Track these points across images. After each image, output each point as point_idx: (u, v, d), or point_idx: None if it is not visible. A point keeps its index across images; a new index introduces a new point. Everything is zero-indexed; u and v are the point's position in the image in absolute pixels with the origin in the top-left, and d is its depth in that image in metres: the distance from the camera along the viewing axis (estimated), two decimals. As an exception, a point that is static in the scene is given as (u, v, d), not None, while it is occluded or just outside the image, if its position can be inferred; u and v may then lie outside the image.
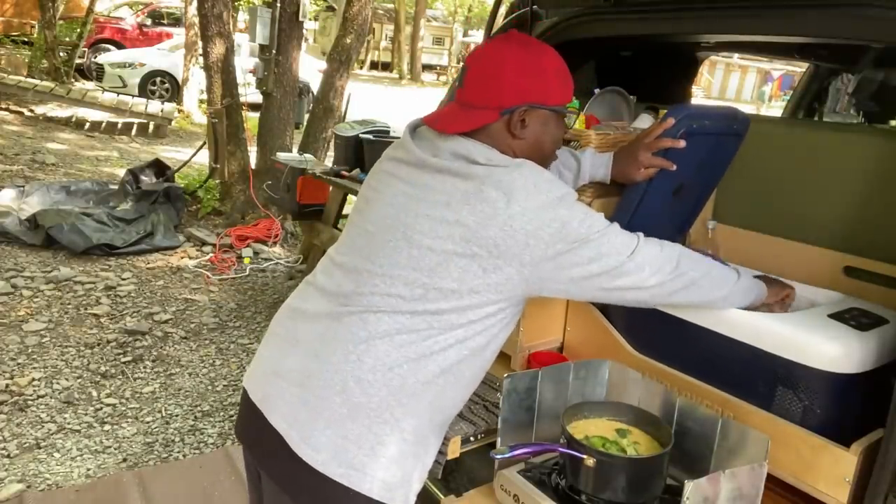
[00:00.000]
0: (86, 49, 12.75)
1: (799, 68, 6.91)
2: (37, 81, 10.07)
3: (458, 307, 1.18)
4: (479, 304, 1.19)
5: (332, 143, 5.44)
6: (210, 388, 3.37)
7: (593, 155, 1.62)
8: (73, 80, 11.65)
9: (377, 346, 1.18)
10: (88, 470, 2.65)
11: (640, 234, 1.27)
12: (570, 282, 1.20)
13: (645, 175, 1.53)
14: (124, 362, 3.51)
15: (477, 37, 27.22)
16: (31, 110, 9.47)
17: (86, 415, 3.01)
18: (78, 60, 12.23)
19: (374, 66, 29.45)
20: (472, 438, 1.56)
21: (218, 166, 5.97)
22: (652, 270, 1.23)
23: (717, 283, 1.35)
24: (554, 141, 1.35)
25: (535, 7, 2.23)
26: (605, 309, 1.74)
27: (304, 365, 1.22)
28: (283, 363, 1.26)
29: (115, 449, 2.80)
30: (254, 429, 1.28)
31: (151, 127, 9.61)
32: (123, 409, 3.10)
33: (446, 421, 1.33)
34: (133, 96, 10.66)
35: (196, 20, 9.52)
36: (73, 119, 9.41)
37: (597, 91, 2.04)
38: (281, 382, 1.24)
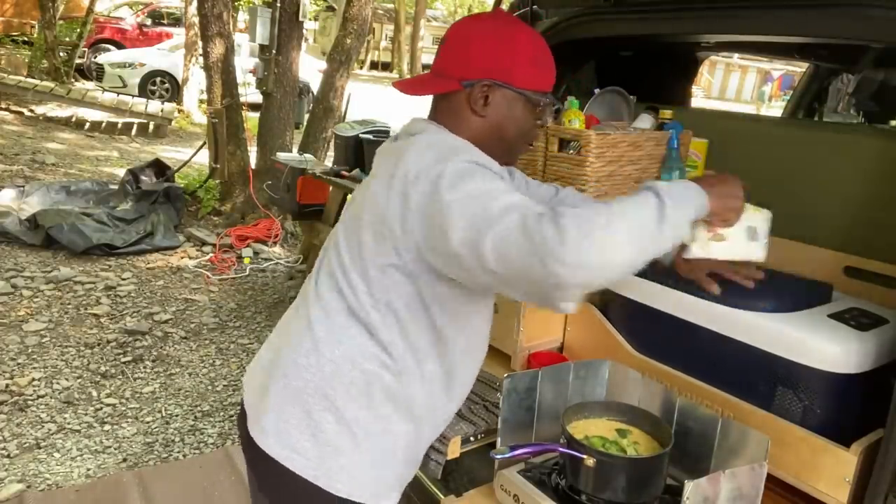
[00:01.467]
0: (86, 49, 12.75)
1: (799, 68, 6.91)
2: (37, 81, 10.07)
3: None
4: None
5: (332, 143, 5.44)
6: (210, 388, 3.37)
7: None
8: (73, 80, 11.65)
9: (315, 331, 1.19)
10: (88, 470, 2.65)
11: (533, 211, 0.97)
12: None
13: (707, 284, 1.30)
14: (124, 362, 3.51)
15: (477, 37, 27.13)
16: (31, 110, 9.47)
17: (86, 415, 3.01)
18: (78, 60, 12.22)
19: (374, 66, 29.45)
20: (472, 438, 1.56)
21: (218, 166, 5.96)
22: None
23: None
24: (519, 129, 1.24)
25: (535, 7, 2.23)
26: (605, 309, 1.74)
27: (269, 353, 1.30)
28: (261, 354, 1.34)
29: (115, 449, 2.80)
30: (242, 422, 1.32)
31: (151, 127, 9.61)
32: (123, 409, 3.10)
33: (411, 417, 1.21)
34: (133, 96, 10.66)
35: (196, 20, 9.52)
36: (73, 119, 9.41)
37: (597, 91, 2.04)
38: (255, 371, 1.31)
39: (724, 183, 1.10)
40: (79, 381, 3.29)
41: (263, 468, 1.22)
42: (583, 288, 0.90)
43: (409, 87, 1.26)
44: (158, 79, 11.89)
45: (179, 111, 10.67)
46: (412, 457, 1.27)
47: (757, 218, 1.19)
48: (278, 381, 1.21)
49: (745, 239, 1.17)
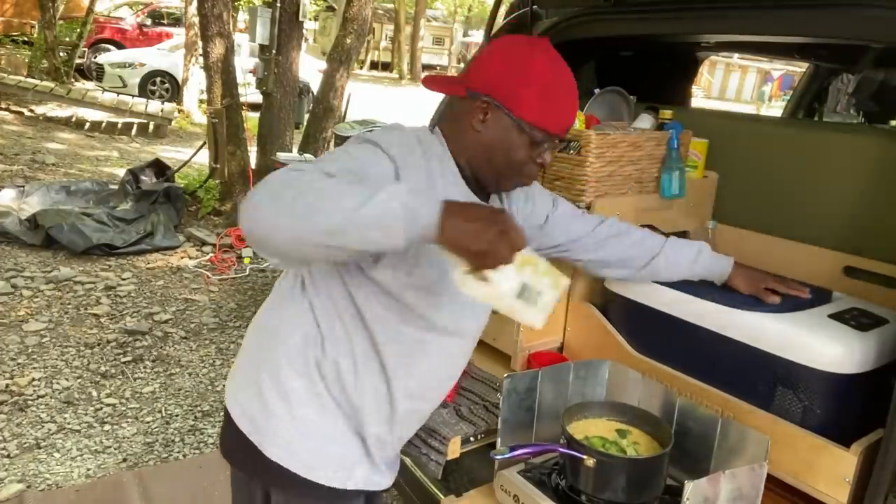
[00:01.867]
0: (86, 49, 12.74)
1: (799, 68, 6.91)
2: (37, 81, 10.07)
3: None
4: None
5: (331, 143, 5.44)
6: (210, 388, 3.36)
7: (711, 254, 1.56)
8: (73, 80, 11.64)
9: (275, 296, 1.28)
10: (88, 470, 2.65)
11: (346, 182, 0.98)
12: None
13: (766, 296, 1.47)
14: (124, 362, 3.51)
15: (477, 37, 27.23)
16: (31, 110, 9.46)
17: (86, 415, 3.01)
18: (78, 60, 12.21)
19: (374, 66, 29.45)
20: (472, 438, 1.56)
21: (218, 166, 5.96)
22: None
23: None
24: (510, 159, 1.19)
25: (535, 7, 2.23)
26: (605, 309, 1.74)
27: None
28: None
29: (115, 449, 2.80)
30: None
31: (151, 127, 9.61)
32: (123, 409, 3.10)
33: (348, 403, 1.21)
34: (133, 96, 10.65)
35: (196, 20, 9.51)
36: (73, 119, 9.41)
37: (597, 91, 2.05)
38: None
39: (476, 219, 0.95)
40: (79, 381, 3.29)
41: (227, 431, 1.29)
42: (260, 248, 0.99)
43: (430, 82, 1.27)
44: (158, 79, 11.88)
45: (179, 111, 10.66)
46: (360, 447, 1.25)
47: (540, 281, 1.04)
48: (246, 339, 1.32)
49: (513, 295, 1.03)
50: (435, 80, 1.27)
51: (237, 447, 1.25)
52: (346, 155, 1.11)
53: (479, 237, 0.94)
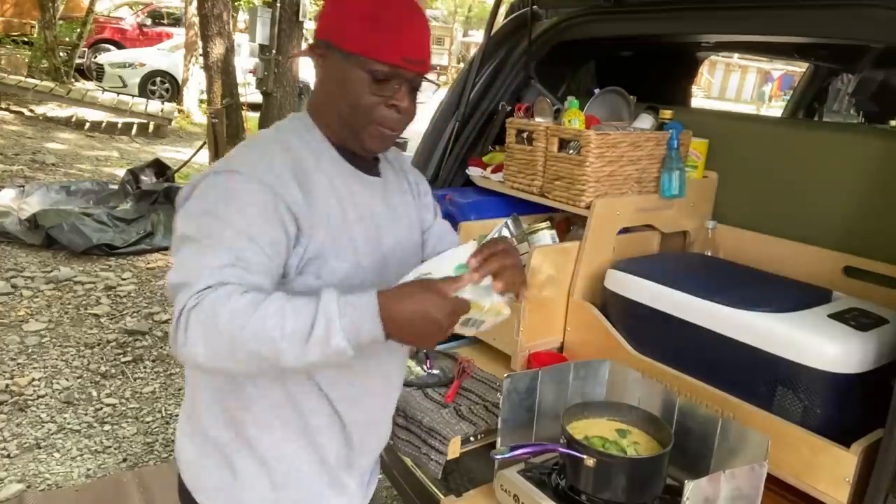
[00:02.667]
0: (86, 49, 12.74)
1: (799, 68, 6.91)
2: (37, 81, 10.07)
3: None
4: None
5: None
6: (210, 388, 3.37)
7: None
8: (73, 80, 11.64)
9: None
10: (88, 470, 2.65)
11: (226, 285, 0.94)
12: None
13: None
14: (124, 362, 3.51)
15: (477, 37, 27.20)
16: (31, 110, 9.47)
17: (86, 415, 3.01)
18: (78, 60, 12.22)
19: (374, 66, 29.40)
20: (472, 438, 1.56)
21: (218, 166, 5.96)
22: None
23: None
24: (353, 103, 1.07)
25: (535, 7, 2.23)
26: (605, 309, 1.74)
27: None
28: None
29: (116, 449, 2.80)
30: None
31: (151, 127, 9.61)
32: (123, 409, 3.10)
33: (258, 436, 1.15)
34: (133, 96, 10.65)
35: (196, 20, 9.51)
36: (73, 119, 9.41)
37: (597, 91, 2.05)
38: None
39: (417, 319, 0.94)
40: (79, 381, 3.29)
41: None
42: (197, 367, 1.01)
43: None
44: (158, 79, 11.89)
45: (179, 111, 10.67)
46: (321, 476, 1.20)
47: (482, 316, 1.04)
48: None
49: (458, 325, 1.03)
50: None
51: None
52: (216, 223, 0.98)
53: (423, 337, 0.97)
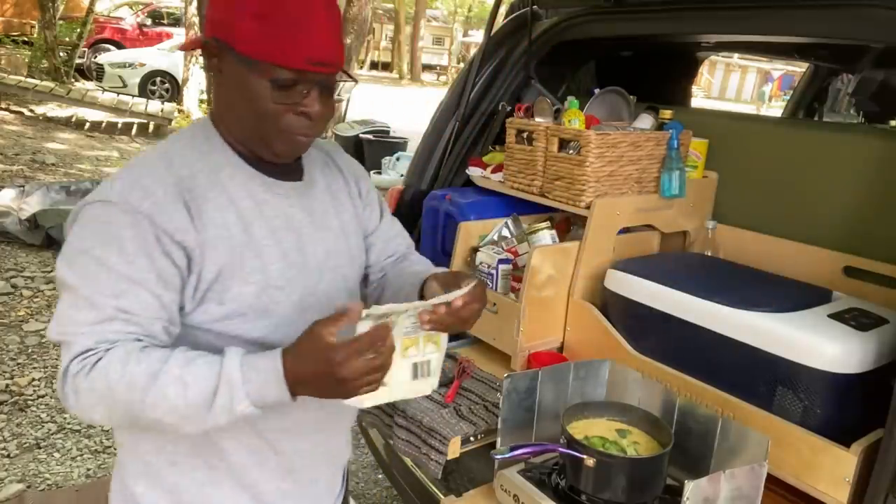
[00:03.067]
0: (86, 49, 12.74)
1: (799, 68, 6.91)
2: (37, 81, 10.07)
3: None
4: None
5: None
6: (210, 388, 3.37)
7: None
8: (73, 80, 11.64)
9: None
10: (89, 470, 2.65)
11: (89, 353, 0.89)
12: None
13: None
14: (124, 362, 3.51)
15: (477, 37, 27.22)
16: (31, 110, 9.46)
17: (86, 415, 3.02)
18: (78, 60, 12.22)
19: (374, 66, 29.45)
20: (472, 438, 1.56)
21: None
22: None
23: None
24: (255, 111, 0.96)
25: (535, 7, 2.23)
26: (605, 309, 1.74)
27: None
28: None
29: (116, 449, 2.80)
30: None
31: (151, 127, 9.61)
32: (123, 409, 3.10)
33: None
34: (133, 96, 10.65)
35: (196, 20, 9.50)
36: (73, 119, 9.41)
37: (597, 91, 2.05)
38: None
39: (324, 380, 0.88)
40: (79, 381, 3.29)
41: None
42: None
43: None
44: (158, 79, 11.88)
45: (179, 111, 10.65)
46: None
47: (425, 353, 1.01)
48: None
49: (409, 380, 1.00)
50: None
51: None
52: (92, 266, 0.91)
53: (334, 393, 0.89)
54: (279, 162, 1.05)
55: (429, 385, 1.03)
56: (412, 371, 1.00)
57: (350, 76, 1.05)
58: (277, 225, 1.04)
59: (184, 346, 0.94)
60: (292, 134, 0.99)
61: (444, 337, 1.02)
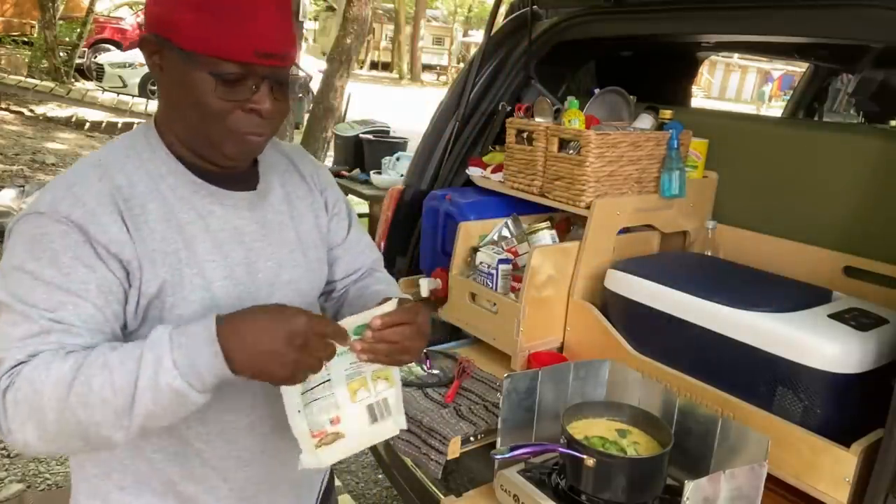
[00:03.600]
0: (86, 49, 12.74)
1: (799, 68, 6.91)
2: (37, 81, 10.07)
3: None
4: None
5: (332, 143, 5.44)
6: (210, 388, 3.37)
7: None
8: (73, 80, 11.64)
9: None
10: (88, 470, 2.65)
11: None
12: None
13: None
14: (124, 362, 3.51)
15: (477, 37, 27.23)
16: (31, 110, 9.46)
17: (86, 415, 3.01)
18: (78, 60, 12.21)
19: (374, 66, 29.46)
20: (472, 438, 1.56)
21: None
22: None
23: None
24: (200, 110, 0.89)
25: (535, 7, 2.23)
26: (605, 309, 1.74)
27: None
28: None
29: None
30: None
31: (151, 127, 9.61)
32: (123, 409, 3.10)
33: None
34: (133, 96, 10.64)
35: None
36: (73, 119, 9.41)
37: (597, 91, 2.05)
38: None
39: (264, 346, 0.81)
40: (79, 381, 3.29)
41: None
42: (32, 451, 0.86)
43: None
44: (158, 79, 11.88)
45: (179, 111, 10.66)
46: None
47: (377, 391, 0.96)
48: None
49: (368, 424, 0.95)
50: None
51: None
52: (25, 281, 0.84)
53: (277, 367, 0.81)
54: (231, 166, 0.98)
55: (394, 424, 0.98)
56: (368, 415, 0.95)
57: (302, 70, 0.95)
58: (223, 238, 0.97)
59: (112, 343, 0.88)
60: (242, 134, 0.92)
61: (394, 371, 0.96)
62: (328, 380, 0.93)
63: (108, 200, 0.88)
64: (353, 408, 0.94)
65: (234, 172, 1.00)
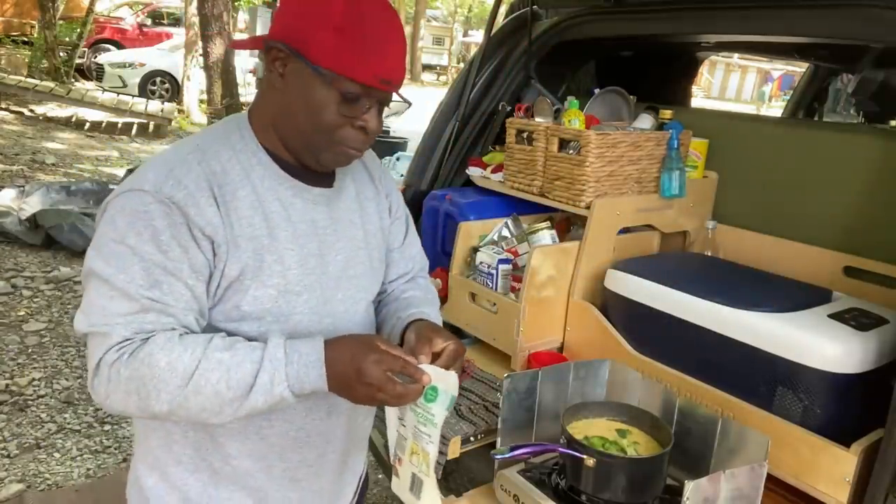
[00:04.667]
0: (86, 49, 12.75)
1: (799, 68, 6.91)
2: (37, 81, 10.07)
3: None
4: None
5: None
6: (210, 388, 3.37)
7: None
8: (73, 80, 11.64)
9: None
10: (89, 470, 2.65)
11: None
12: None
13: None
14: (124, 362, 3.51)
15: (477, 37, 27.23)
16: (31, 110, 9.46)
17: (86, 415, 3.01)
18: (78, 60, 12.22)
19: (374, 65, 29.38)
20: (472, 438, 1.56)
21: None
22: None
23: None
24: (315, 120, 0.97)
25: (535, 7, 2.23)
26: (605, 309, 1.74)
27: None
28: None
29: (116, 449, 2.80)
30: None
31: (151, 127, 9.61)
32: (123, 409, 3.10)
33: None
34: (133, 96, 10.65)
35: (196, 20, 9.51)
36: (73, 119, 9.41)
37: (597, 91, 2.05)
38: None
39: (355, 382, 0.93)
40: (79, 380, 3.29)
41: None
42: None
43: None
44: (158, 79, 11.88)
45: (179, 111, 10.66)
46: None
47: (424, 471, 1.02)
48: None
49: (409, 485, 1.03)
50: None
51: None
52: (125, 256, 0.91)
53: (357, 396, 0.94)
54: (318, 170, 1.06)
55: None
56: (411, 480, 1.02)
57: (404, 99, 1.06)
58: (302, 230, 1.04)
59: (221, 333, 0.97)
60: (346, 147, 1.01)
61: (432, 456, 1.01)
62: (404, 425, 1.03)
63: (205, 185, 0.95)
64: (406, 464, 1.02)
65: (315, 170, 1.07)
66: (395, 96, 1.03)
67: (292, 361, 0.92)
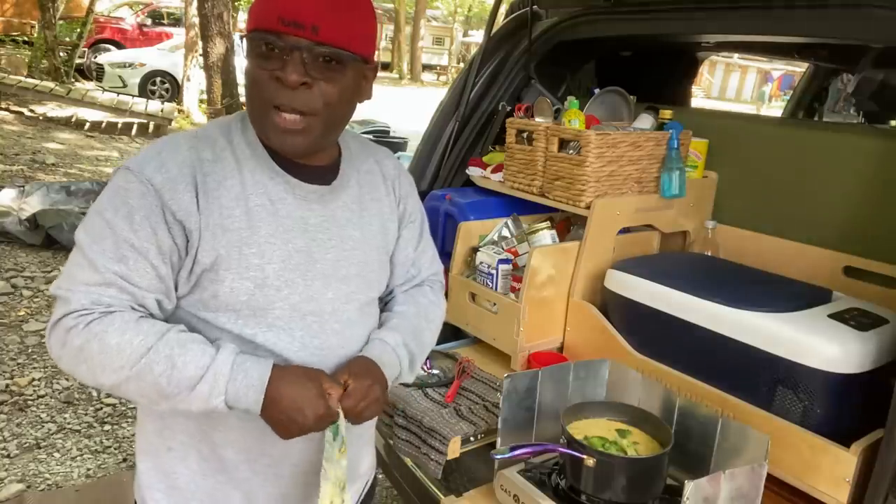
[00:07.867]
0: (86, 49, 12.74)
1: (799, 68, 6.91)
2: (37, 81, 10.06)
3: None
4: None
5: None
6: (210, 388, 3.37)
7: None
8: (73, 80, 11.64)
9: None
10: (89, 470, 2.65)
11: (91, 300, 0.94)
12: None
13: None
14: (124, 362, 3.51)
15: (477, 37, 27.24)
16: (31, 110, 9.46)
17: (86, 415, 3.01)
18: (78, 60, 12.21)
19: (374, 66, 29.39)
20: (472, 438, 1.56)
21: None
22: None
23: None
24: (248, 87, 0.98)
25: (535, 7, 2.23)
26: (605, 309, 1.74)
27: None
28: None
29: (116, 449, 2.80)
30: None
31: (151, 127, 9.60)
32: (123, 408, 3.10)
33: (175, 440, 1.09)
34: (133, 96, 10.64)
35: (196, 20, 9.50)
36: (73, 119, 9.40)
37: (597, 91, 2.05)
38: None
39: (289, 412, 0.96)
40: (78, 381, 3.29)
41: None
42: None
43: None
44: (158, 79, 11.88)
45: (179, 111, 10.65)
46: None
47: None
48: None
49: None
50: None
51: None
52: (102, 228, 0.95)
53: (287, 427, 0.97)
54: (286, 155, 1.02)
55: None
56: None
57: (337, 48, 0.94)
58: (288, 226, 1.03)
59: (180, 326, 0.99)
60: (275, 110, 0.95)
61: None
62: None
63: (188, 171, 0.97)
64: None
65: (315, 166, 1.07)
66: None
67: (236, 378, 0.94)
